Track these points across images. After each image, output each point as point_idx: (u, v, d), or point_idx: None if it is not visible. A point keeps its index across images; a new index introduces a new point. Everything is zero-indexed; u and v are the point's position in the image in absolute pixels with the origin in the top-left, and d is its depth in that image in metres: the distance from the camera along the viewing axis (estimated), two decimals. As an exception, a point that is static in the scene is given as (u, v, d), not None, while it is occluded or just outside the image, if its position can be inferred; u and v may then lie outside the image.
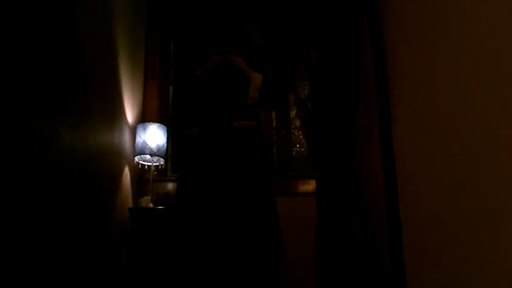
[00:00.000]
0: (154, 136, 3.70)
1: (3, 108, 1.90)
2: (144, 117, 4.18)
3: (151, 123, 3.81)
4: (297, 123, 4.45)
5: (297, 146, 4.42)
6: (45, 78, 2.29)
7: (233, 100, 2.68)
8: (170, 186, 4.03)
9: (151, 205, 3.64)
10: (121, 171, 3.58)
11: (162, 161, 3.85)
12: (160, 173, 4.11)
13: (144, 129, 3.73)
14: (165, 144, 3.80)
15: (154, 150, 3.68)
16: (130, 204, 3.75)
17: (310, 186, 3.87)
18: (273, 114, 4.46)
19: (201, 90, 2.70)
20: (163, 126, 3.84)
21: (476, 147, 1.18)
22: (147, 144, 3.67)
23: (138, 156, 3.76)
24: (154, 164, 3.81)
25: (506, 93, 1.04)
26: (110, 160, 3.36)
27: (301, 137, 4.41)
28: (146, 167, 3.86)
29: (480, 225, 1.17)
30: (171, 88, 4.49)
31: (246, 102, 2.67)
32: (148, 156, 3.75)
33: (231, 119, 2.62)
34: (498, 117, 1.07)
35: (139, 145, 3.70)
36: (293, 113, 4.46)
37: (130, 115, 3.83)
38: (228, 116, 2.63)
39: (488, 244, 1.12)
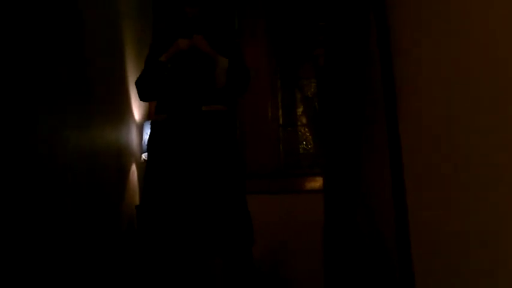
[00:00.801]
0: (161, 134, 3.70)
1: (8, 108, 1.91)
2: (151, 115, 4.18)
3: (158, 120, 3.81)
4: (304, 120, 4.45)
5: (304, 143, 4.42)
6: (50, 77, 2.30)
7: (201, 84, 2.61)
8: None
9: (158, 202, 3.65)
10: (128, 169, 3.60)
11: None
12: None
13: (151, 126, 3.74)
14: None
15: (161, 148, 3.68)
16: (137, 201, 3.77)
17: (317, 183, 3.88)
18: (280, 111, 4.46)
19: (167, 75, 2.61)
20: (170, 123, 3.83)
21: (484, 147, 1.18)
22: (155, 142, 3.68)
23: (145, 154, 3.77)
24: (161, 161, 3.81)
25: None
26: (117, 158, 3.37)
27: (307, 134, 4.42)
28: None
29: (487, 224, 1.17)
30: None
31: (215, 86, 2.61)
32: (155, 154, 3.75)
33: (199, 103, 2.57)
34: (504, 118, 1.07)
35: (146, 142, 3.71)
36: (300, 110, 4.47)
37: (137, 113, 3.84)
38: (196, 100, 2.57)
39: (494, 244, 1.12)
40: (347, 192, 2.76)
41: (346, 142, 2.85)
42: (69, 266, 2.38)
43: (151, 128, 2.69)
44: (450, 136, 1.40)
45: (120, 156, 3.44)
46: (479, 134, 1.18)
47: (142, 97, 2.77)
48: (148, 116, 4.15)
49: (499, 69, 1.07)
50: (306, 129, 4.43)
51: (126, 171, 3.55)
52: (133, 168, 3.71)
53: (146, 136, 3.71)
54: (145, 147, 3.70)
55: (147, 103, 4.20)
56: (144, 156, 3.79)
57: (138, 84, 2.71)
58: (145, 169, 2.70)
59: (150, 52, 2.83)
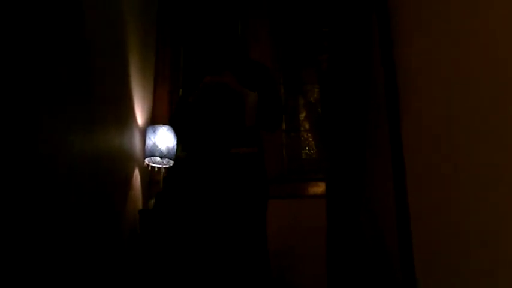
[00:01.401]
0: (164, 138, 3.72)
1: (14, 112, 1.92)
2: (154, 120, 4.20)
3: (161, 125, 3.83)
4: (307, 126, 4.45)
5: (307, 148, 4.43)
6: (55, 83, 2.32)
7: (230, 124, 2.47)
8: (180, 188, 4.04)
9: (161, 207, 3.66)
10: (131, 174, 3.61)
11: (172, 163, 3.84)
12: (171, 175, 4.11)
13: (154, 131, 3.76)
14: (175, 146, 3.81)
15: (165, 153, 3.69)
16: (140, 206, 3.77)
17: (319, 188, 3.87)
18: (283, 117, 4.46)
19: (195, 115, 2.49)
20: (173, 128, 3.84)
21: (484, 148, 1.18)
22: (157, 147, 3.69)
23: (148, 159, 3.78)
24: (165, 166, 3.83)
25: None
26: (121, 162, 3.38)
27: (310, 139, 4.42)
28: (156, 169, 3.88)
29: (487, 224, 1.17)
30: (181, 91, 4.52)
31: (245, 125, 2.45)
32: (158, 159, 3.77)
33: (228, 145, 2.43)
34: (504, 118, 1.07)
35: (149, 147, 3.72)
36: (302, 115, 4.47)
37: (140, 118, 3.86)
38: (225, 141, 2.44)
39: (494, 244, 1.12)
40: (350, 197, 2.76)
41: (350, 147, 2.85)
42: (73, 269, 2.39)
43: (174, 165, 2.66)
44: (450, 136, 1.40)
45: (124, 161, 3.45)
46: (479, 134, 1.18)
47: (179, 137, 2.85)
48: (151, 120, 4.17)
49: (499, 69, 1.08)
50: (309, 135, 4.43)
51: (129, 176, 3.56)
52: (137, 172, 3.72)
53: (149, 141, 3.73)
54: (149, 152, 3.71)
55: (150, 108, 4.22)
56: (147, 161, 3.80)
57: (171, 124, 2.71)
58: (161, 205, 2.59)
59: (182, 92, 2.78)
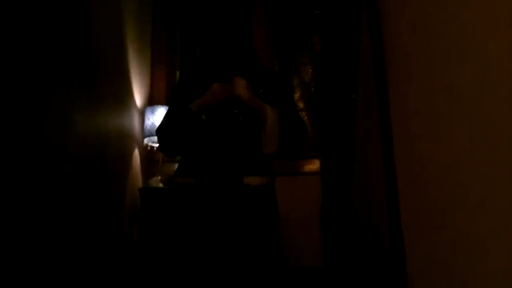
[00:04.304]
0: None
1: (24, 93, 2.01)
2: (152, 100, 4.28)
3: (159, 105, 3.91)
4: (301, 105, 4.54)
5: (301, 127, 4.51)
6: (61, 66, 2.39)
7: (243, 147, 2.02)
8: (178, 167, 4.13)
9: (160, 185, 3.76)
10: (131, 153, 3.69)
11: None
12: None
13: (153, 112, 3.84)
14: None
15: (163, 132, 3.75)
16: (140, 184, 3.87)
17: (314, 165, 3.98)
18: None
19: (198, 129, 2.02)
20: (171, 109, 3.90)
21: (477, 143, 1.24)
22: (156, 127, 3.76)
23: (147, 138, 3.86)
24: (163, 145, 3.90)
25: (503, 90, 1.06)
26: (121, 143, 3.46)
27: (305, 118, 4.51)
28: (155, 148, 3.98)
29: (478, 210, 1.26)
30: (177, 73, 4.60)
31: (261, 151, 1.99)
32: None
33: (240, 173, 1.97)
34: (499, 115, 1.09)
35: (148, 127, 3.80)
36: (297, 95, 4.56)
37: (139, 98, 3.94)
38: (236, 169, 1.98)
39: (487, 232, 1.20)
40: (343, 173, 2.87)
41: (342, 125, 2.96)
42: (76, 245, 2.50)
43: (175, 191, 2.09)
44: (434, 121, 1.50)
45: (124, 140, 3.53)
46: (479, 129, 1.23)
47: (166, 151, 2.18)
48: (149, 101, 4.25)
49: (498, 62, 1.12)
50: (303, 114, 4.53)
51: (129, 156, 3.65)
52: (136, 152, 3.81)
53: (148, 121, 3.81)
54: (148, 132, 3.79)
55: (148, 89, 4.30)
56: (146, 140, 3.89)
57: (161, 133, 2.14)
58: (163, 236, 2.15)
59: (175, 94, 2.26)
